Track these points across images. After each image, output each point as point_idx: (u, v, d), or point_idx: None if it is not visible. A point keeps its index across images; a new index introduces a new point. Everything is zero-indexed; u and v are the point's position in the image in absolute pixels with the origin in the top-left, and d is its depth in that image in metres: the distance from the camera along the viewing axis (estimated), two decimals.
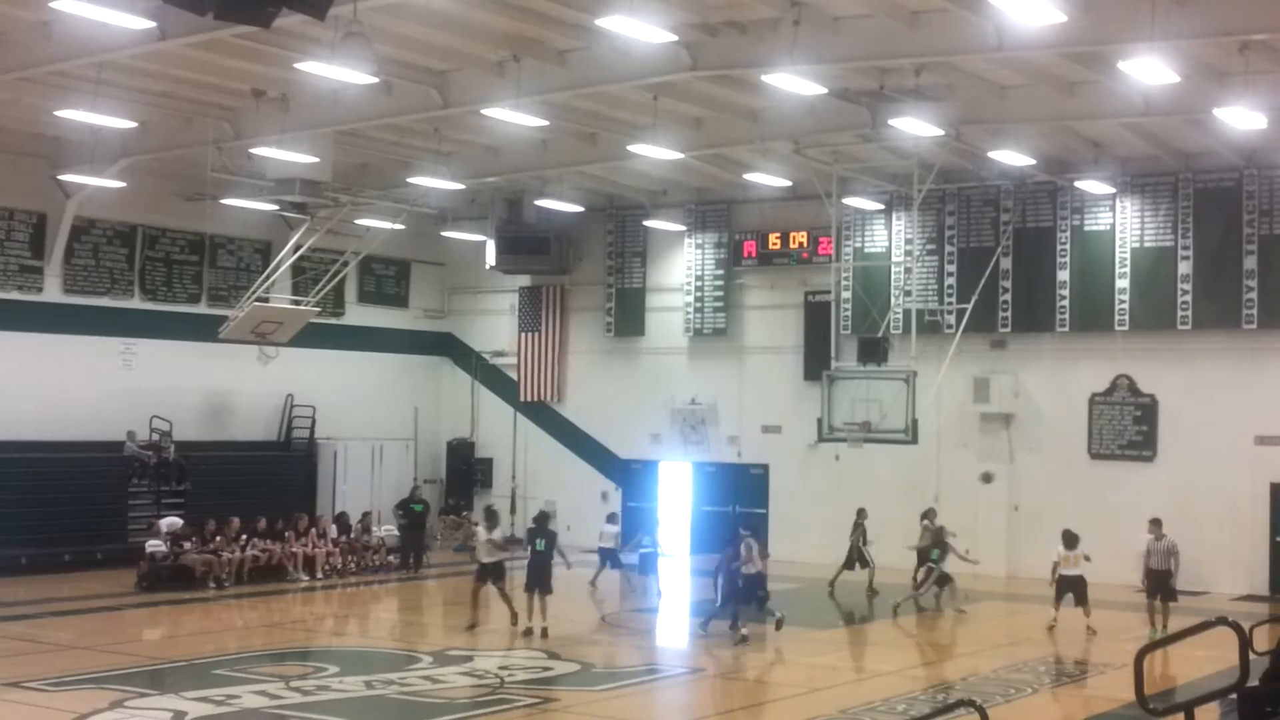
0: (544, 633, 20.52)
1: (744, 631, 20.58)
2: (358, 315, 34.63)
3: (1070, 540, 22.43)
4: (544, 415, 35.39)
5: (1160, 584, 21.94)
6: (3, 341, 27.37)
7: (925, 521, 25.89)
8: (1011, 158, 25.88)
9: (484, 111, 22.99)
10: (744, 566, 21.08)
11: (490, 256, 34.04)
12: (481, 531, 22.09)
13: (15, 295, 27.91)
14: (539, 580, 21.01)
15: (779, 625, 21.16)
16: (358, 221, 30.92)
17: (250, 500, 28.01)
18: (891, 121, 22.74)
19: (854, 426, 26.89)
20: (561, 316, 35.28)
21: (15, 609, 22.12)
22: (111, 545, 27.14)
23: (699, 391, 33.20)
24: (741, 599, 21.09)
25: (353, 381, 33.58)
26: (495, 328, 36.20)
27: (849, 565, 26.53)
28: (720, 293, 32.93)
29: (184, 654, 17.88)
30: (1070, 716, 16.48)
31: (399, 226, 31.39)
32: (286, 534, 27.66)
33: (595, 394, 34.71)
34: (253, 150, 25.98)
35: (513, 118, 22.84)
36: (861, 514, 26.76)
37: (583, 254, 34.86)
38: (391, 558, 29.36)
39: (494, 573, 21.40)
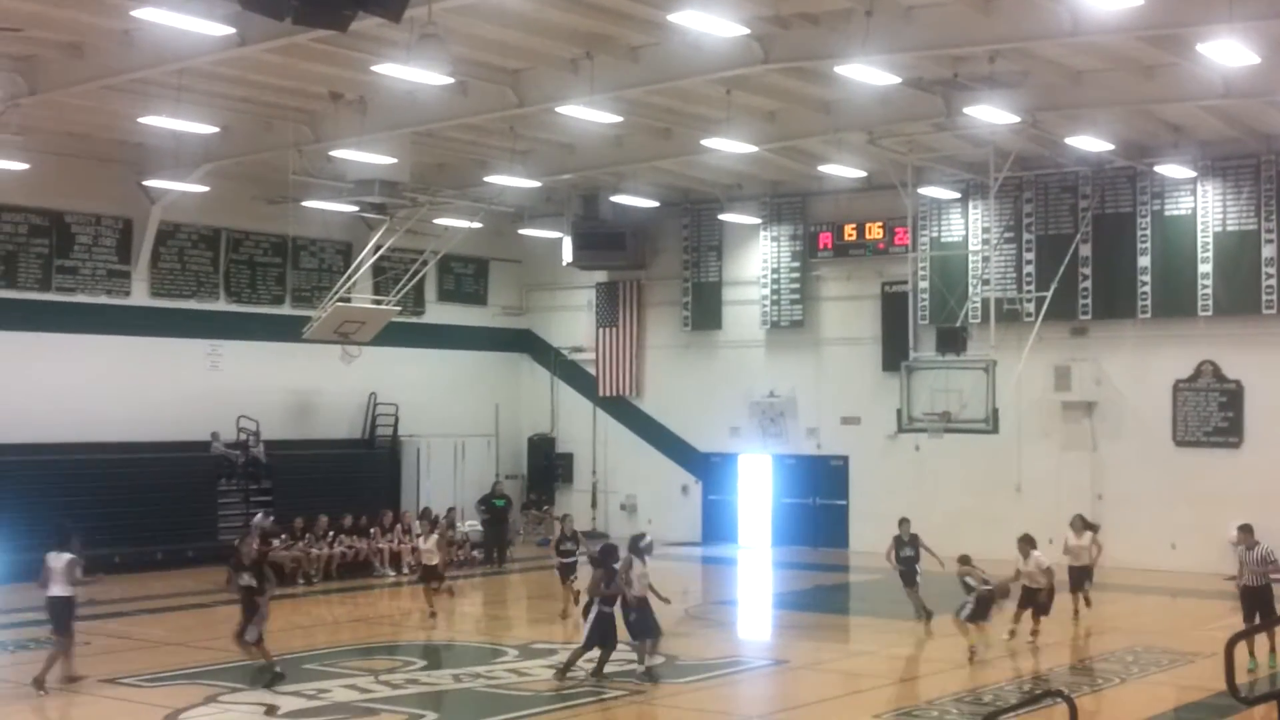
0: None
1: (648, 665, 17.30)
2: (437, 314, 34.98)
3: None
4: (623, 410, 35.55)
5: (1260, 602, 17.74)
6: (93, 345, 27.93)
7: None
8: (1089, 143, 25.66)
9: (558, 109, 23.14)
10: (626, 589, 17.22)
11: (567, 253, 34.24)
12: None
13: (104, 299, 28.48)
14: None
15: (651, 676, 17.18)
16: (436, 221, 31.22)
17: (336, 498, 28.42)
18: (966, 110, 22.63)
19: (934, 417, 26.82)
20: (639, 311, 35.41)
21: (110, 607, 22.54)
22: (202, 543, 27.60)
23: (777, 384, 33.20)
24: (636, 632, 17.34)
25: (434, 379, 33.92)
26: (573, 323, 36.43)
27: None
28: (796, 285, 32.90)
29: (275, 649, 18.05)
30: (1160, 706, 16.33)
31: (476, 225, 31.67)
32: (372, 530, 28.04)
33: (673, 388, 34.82)
34: (332, 153, 26.30)
35: (587, 115, 22.98)
36: (905, 525, 22.48)
37: (659, 249, 35.00)
38: (476, 553, 29.66)
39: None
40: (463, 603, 26.30)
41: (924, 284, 30.56)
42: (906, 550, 21.99)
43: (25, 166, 25.53)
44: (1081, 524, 22.30)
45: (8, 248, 27.14)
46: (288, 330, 29.83)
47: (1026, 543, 19.60)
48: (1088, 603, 21.96)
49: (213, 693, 16.42)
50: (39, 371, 26.93)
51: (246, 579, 16.92)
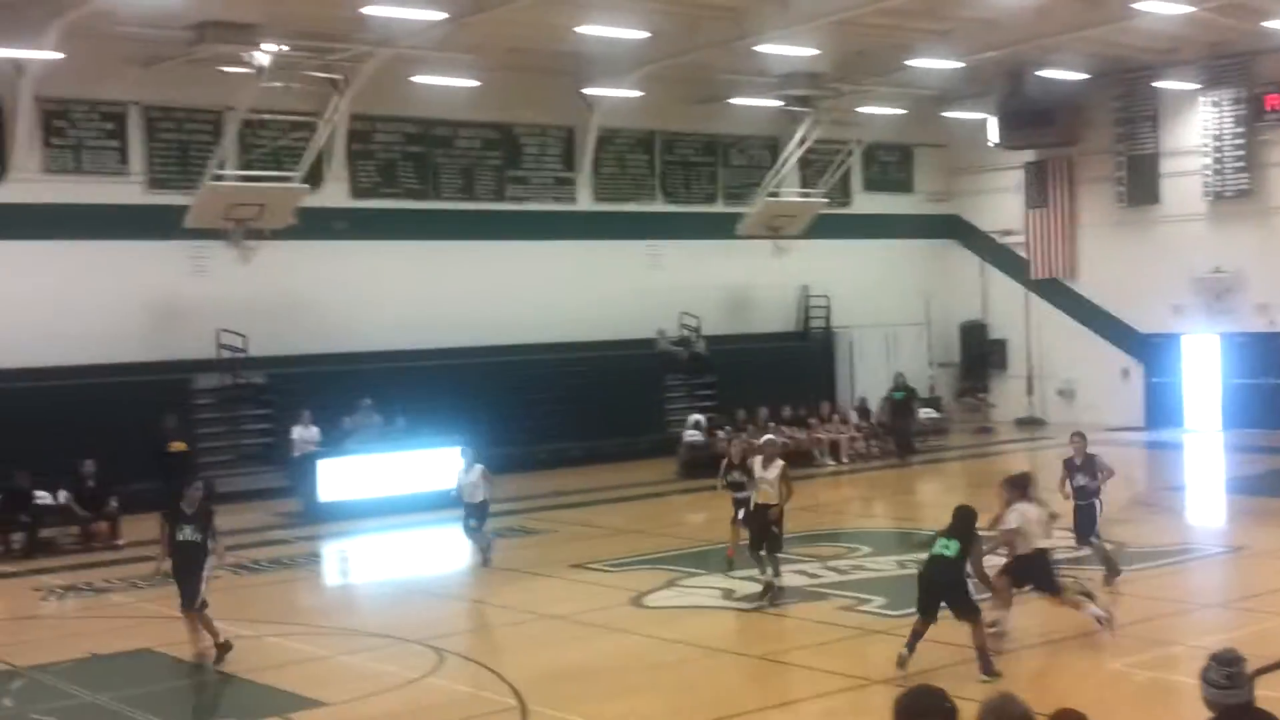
0: None
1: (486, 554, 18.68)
2: (864, 203, 35.11)
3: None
4: (1056, 292, 34.78)
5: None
6: (544, 250, 29.64)
7: None
8: None
9: None
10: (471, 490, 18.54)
11: (993, 133, 33.58)
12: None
13: (552, 206, 30.16)
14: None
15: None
16: (858, 110, 31.22)
17: (773, 389, 29.13)
18: None
19: None
20: (1070, 189, 34.45)
21: (573, 497, 24.20)
22: (652, 436, 28.98)
23: (1223, 258, 31.67)
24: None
25: (862, 269, 34.12)
26: (1001, 206, 35.75)
27: None
28: (1241, 152, 31.19)
29: (725, 537, 18.87)
30: None
31: (900, 111, 31.49)
32: (810, 421, 28.67)
33: (1109, 268, 33.76)
34: (756, 47, 26.60)
35: None
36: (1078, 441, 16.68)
37: (1089, 123, 33.77)
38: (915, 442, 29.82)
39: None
40: (901, 491, 26.65)
41: None
42: (1080, 478, 16.14)
43: (477, 84, 27.18)
44: None
45: (463, 162, 29.11)
46: (721, 227, 30.71)
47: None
48: None
49: (673, 577, 17.43)
50: (495, 277, 28.81)
51: (189, 532, 13.98)
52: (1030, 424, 34.08)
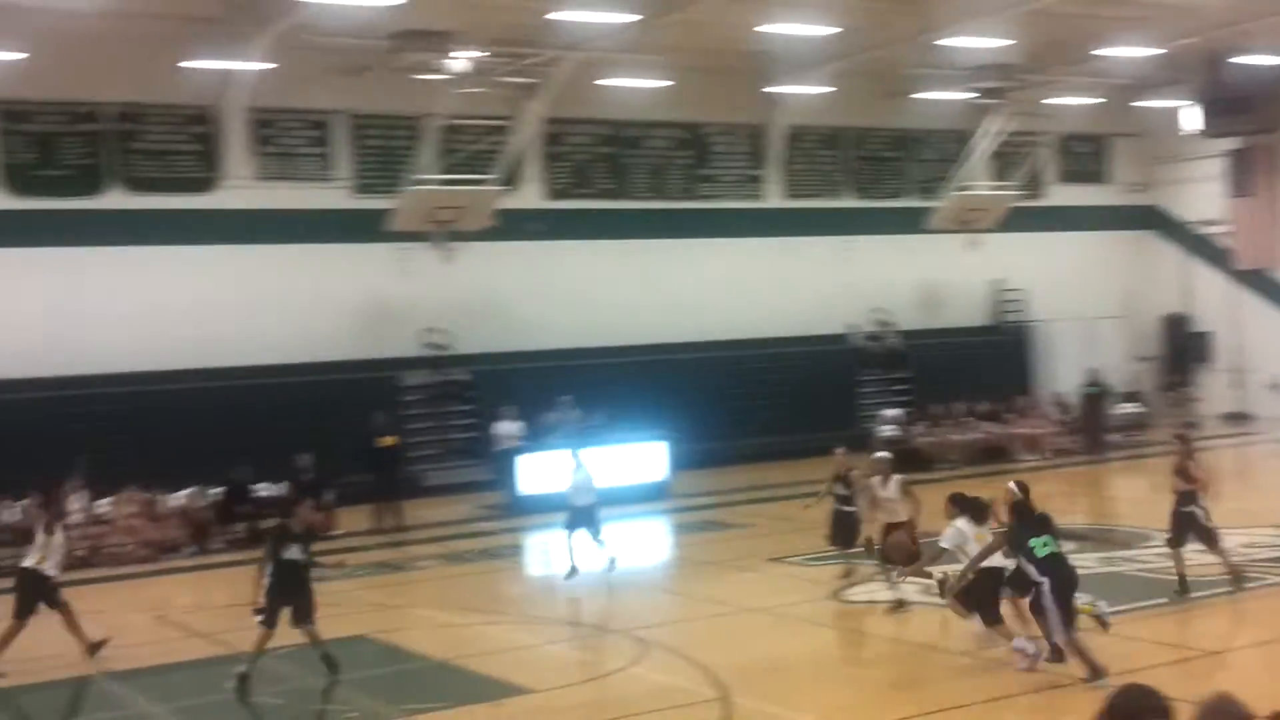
0: None
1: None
2: (1058, 195, 34.57)
3: None
4: (1264, 283, 33.72)
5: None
6: (735, 248, 29.96)
7: None
8: None
9: None
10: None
11: (1189, 122, 32.73)
12: None
13: (742, 204, 30.39)
14: None
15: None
16: (1050, 100, 30.74)
17: (967, 384, 28.94)
18: None
19: None
20: (1275, 177, 33.34)
21: (770, 491, 24.36)
22: (846, 431, 28.88)
23: None
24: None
25: (1058, 262, 33.59)
26: (1202, 195, 34.77)
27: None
28: None
29: (922, 530, 18.73)
30: None
31: (1094, 101, 30.88)
32: (1007, 416, 28.34)
33: None
34: (945, 40, 26.39)
35: None
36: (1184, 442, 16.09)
37: None
38: (1117, 437, 29.27)
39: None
40: (1104, 486, 26.12)
41: None
42: (1177, 482, 15.53)
43: (665, 84, 27.51)
44: None
45: (654, 162, 29.57)
46: (911, 222, 30.56)
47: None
48: None
49: (871, 572, 17.41)
50: (688, 274, 29.20)
51: (295, 551, 13.43)
52: (1238, 419, 33.09)
